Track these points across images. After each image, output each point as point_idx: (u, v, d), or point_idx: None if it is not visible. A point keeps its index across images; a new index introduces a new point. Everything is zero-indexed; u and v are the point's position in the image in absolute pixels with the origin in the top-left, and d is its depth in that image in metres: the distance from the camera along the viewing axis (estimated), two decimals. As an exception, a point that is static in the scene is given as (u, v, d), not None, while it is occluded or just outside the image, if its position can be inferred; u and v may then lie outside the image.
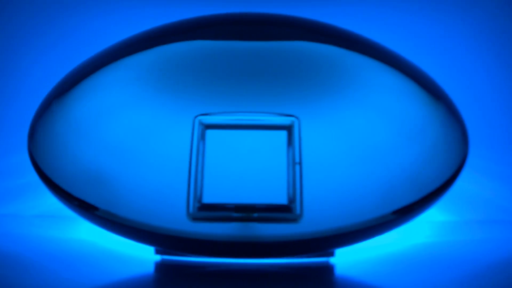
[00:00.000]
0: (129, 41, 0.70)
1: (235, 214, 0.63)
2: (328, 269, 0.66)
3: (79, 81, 0.67)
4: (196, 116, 0.64)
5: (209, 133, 0.64)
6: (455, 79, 0.91)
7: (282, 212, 0.63)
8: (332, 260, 0.68)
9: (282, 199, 0.63)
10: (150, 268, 0.66)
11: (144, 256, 0.69)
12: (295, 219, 0.63)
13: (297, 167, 0.63)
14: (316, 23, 0.72)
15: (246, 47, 0.67)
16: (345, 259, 0.68)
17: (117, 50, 0.69)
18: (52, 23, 0.93)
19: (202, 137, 0.64)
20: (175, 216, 0.63)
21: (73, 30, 0.92)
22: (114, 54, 0.68)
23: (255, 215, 0.63)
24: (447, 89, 0.71)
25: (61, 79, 0.70)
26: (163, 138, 0.64)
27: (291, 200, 0.63)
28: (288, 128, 0.64)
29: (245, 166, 0.63)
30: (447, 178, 0.66)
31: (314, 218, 0.63)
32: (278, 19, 0.72)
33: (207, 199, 0.63)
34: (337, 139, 0.64)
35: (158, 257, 0.68)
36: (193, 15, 0.74)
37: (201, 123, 0.64)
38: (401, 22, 0.92)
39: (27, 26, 0.93)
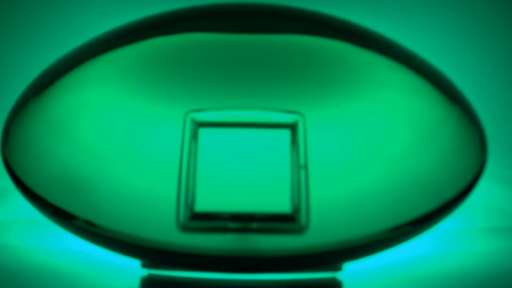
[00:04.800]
0: (112, 34, 0.70)
1: (231, 224, 0.62)
2: (335, 285, 0.65)
3: (58, 77, 0.67)
4: (187, 113, 0.63)
5: (202, 131, 0.63)
6: (472, 80, 0.91)
7: (285, 222, 0.61)
8: (339, 275, 0.66)
9: (285, 208, 0.61)
10: (135, 284, 0.65)
11: (129, 270, 0.67)
12: (299, 230, 0.61)
13: (302, 171, 0.62)
14: (324, 16, 0.71)
15: (246, 39, 0.66)
16: (353, 274, 0.67)
17: (100, 43, 0.68)
18: (31, 17, 0.93)
19: (195, 136, 0.63)
20: (164, 227, 0.61)
21: (54, 23, 0.92)
22: (96, 48, 0.68)
23: (254, 225, 0.61)
24: (465, 91, 0.71)
25: (38, 75, 0.70)
26: (150, 138, 0.63)
27: (296, 208, 0.62)
28: (292, 127, 0.63)
29: (243, 169, 0.62)
30: (464, 186, 0.65)
31: (321, 229, 0.61)
32: (281, 10, 0.71)
33: (200, 207, 0.62)
34: (346, 140, 0.63)
35: (144, 272, 0.66)
36: (186, 5, 0.74)
37: (193, 121, 0.63)
38: (417, 18, 0.92)
39: (5, 21, 0.93)
